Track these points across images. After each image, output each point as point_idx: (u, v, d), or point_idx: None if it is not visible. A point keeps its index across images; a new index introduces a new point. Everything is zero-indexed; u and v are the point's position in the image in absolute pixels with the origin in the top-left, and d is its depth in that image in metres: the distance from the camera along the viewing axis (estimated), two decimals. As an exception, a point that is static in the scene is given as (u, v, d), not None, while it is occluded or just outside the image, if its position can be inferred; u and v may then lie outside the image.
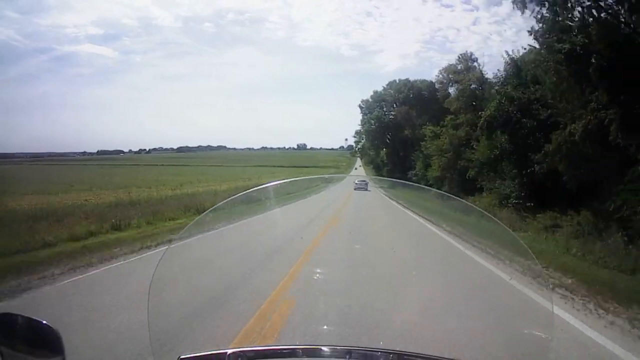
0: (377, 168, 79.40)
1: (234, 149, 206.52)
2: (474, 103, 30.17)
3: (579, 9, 11.96)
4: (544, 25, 13.01)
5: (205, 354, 1.31)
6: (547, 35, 13.12)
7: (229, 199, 2.30)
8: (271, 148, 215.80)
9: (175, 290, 3.58)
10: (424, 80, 56.95)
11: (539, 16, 12.86)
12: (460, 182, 27.47)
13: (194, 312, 4.13)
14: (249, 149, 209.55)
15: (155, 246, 8.70)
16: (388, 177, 54.50)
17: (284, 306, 4.36)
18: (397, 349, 1.34)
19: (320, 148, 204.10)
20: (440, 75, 34.10)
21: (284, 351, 1.41)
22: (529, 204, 16.73)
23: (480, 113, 22.76)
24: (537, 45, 15.08)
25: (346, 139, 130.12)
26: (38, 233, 9.05)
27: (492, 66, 61.06)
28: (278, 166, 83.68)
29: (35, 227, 9.79)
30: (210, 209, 2.69)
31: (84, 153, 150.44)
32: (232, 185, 31.14)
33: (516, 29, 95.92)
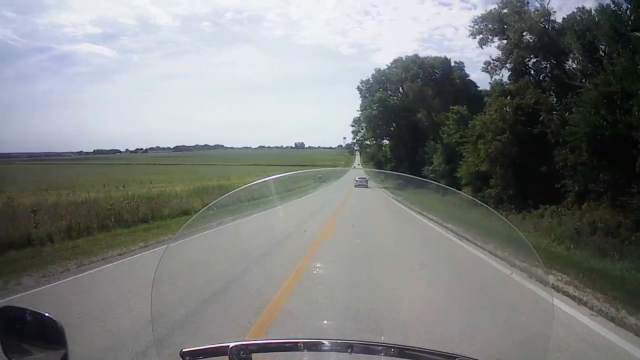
0: (379, 165, 68.55)
1: (232, 148, 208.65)
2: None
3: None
4: None
5: (207, 347, 1.28)
6: None
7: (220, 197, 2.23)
8: (269, 147, 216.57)
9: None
10: (437, 57, 46.50)
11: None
12: (519, 181, 17.12)
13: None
14: (247, 147, 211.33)
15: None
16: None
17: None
18: (399, 343, 1.32)
19: (319, 147, 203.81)
20: (476, 26, 23.29)
21: (286, 344, 1.38)
22: None
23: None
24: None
25: (344, 138, 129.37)
26: None
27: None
28: (273, 165, 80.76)
29: None
30: (206, 207, 2.38)
31: (81, 152, 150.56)
32: (190, 187, 24.39)
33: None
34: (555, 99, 18.16)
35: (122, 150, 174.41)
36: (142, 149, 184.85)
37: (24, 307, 1.15)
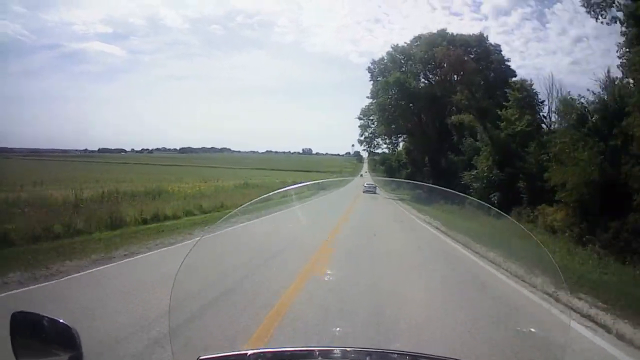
0: (390, 172, 57.77)
1: (239, 151, 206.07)
2: None
3: None
4: None
5: (225, 355, 1.32)
6: None
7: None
8: (276, 152, 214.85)
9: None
10: (471, 35, 36.11)
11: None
12: None
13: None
14: (253, 151, 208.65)
15: None
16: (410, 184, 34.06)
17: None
18: (412, 351, 1.33)
19: (326, 153, 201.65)
20: None
21: (302, 352, 1.41)
22: None
23: None
24: None
25: (352, 145, 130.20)
26: None
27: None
28: (277, 169, 79.40)
29: None
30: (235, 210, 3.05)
31: (85, 150, 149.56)
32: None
33: (524, 39, 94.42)
34: None
35: (127, 149, 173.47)
36: (147, 149, 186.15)
37: (37, 313, 1.14)
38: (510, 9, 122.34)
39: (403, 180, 36.07)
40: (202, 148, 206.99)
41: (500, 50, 35.95)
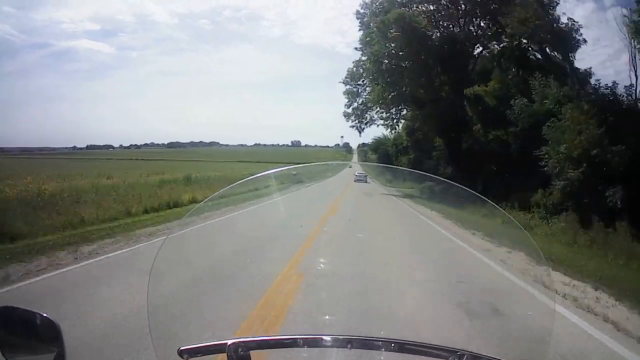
0: (385, 160, 47.24)
1: (227, 145, 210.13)
2: None
3: None
4: None
5: (205, 345, 1.26)
6: None
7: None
8: (265, 145, 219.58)
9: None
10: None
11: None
12: None
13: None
14: (242, 145, 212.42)
15: None
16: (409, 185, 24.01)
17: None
18: (398, 338, 1.28)
19: (315, 145, 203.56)
20: None
21: (285, 341, 1.39)
22: None
23: None
24: None
25: (342, 136, 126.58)
26: None
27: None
28: (265, 162, 73.47)
29: None
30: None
31: (74, 147, 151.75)
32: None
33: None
34: None
35: (115, 145, 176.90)
36: (135, 144, 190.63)
37: (21, 307, 1.14)
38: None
39: (407, 169, 25.74)
40: (190, 142, 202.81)
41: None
